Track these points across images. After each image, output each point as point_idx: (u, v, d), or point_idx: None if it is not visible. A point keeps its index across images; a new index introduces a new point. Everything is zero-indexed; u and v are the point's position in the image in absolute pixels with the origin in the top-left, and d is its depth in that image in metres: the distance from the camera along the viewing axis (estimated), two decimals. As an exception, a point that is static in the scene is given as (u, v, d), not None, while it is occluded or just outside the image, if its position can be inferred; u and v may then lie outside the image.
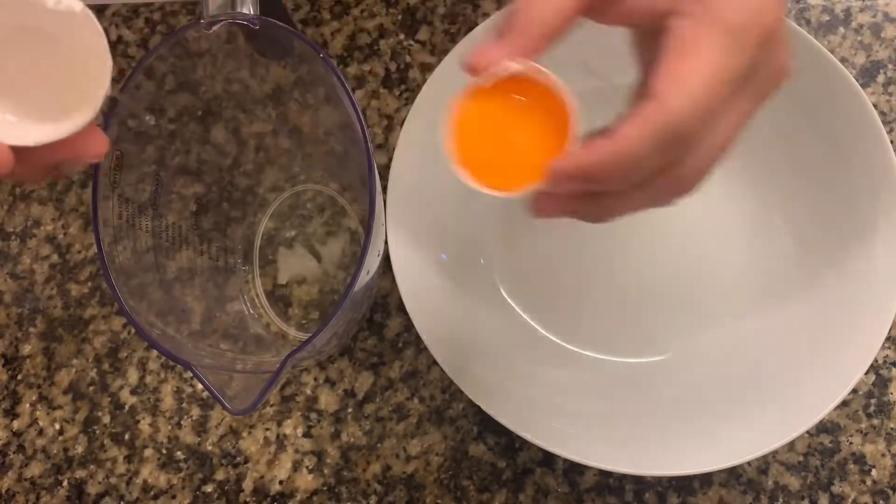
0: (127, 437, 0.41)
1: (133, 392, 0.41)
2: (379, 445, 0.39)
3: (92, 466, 0.40)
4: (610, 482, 0.38)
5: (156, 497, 0.40)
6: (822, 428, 0.39)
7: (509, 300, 0.40)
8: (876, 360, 0.39)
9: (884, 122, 0.40)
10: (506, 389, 0.36)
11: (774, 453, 0.38)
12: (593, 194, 0.24)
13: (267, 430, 0.40)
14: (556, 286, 0.41)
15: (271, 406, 0.40)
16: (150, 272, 0.33)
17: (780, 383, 0.36)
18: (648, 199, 0.24)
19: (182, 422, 0.40)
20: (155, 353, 0.42)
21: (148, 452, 0.40)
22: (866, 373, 0.37)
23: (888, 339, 0.40)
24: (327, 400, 0.40)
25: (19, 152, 0.23)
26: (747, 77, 0.22)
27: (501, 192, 0.28)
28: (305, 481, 0.39)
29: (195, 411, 0.41)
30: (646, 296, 0.40)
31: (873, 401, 0.39)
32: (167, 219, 0.35)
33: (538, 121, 0.28)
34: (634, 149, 0.22)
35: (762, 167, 0.41)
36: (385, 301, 0.41)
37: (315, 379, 0.41)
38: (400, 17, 0.46)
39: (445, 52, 0.39)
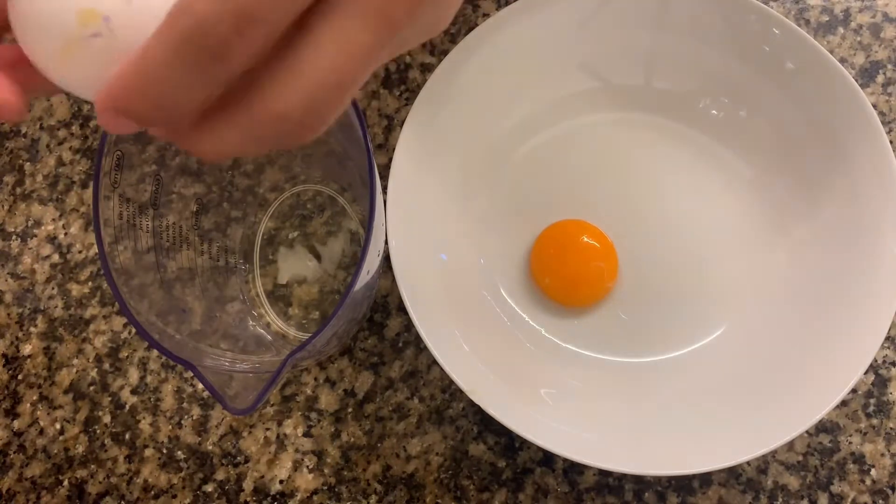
0: (127, 436, 0.41)
1: (134, 392, 0.41)
2: (379, 445, 0.40)
3: (92, 466, 0.40)
4: (609, 482, 0.39)
5: (156, 497, 0.40)
6: (822, 427, 0.39)
7: (509, 300, 0.40)
8: (875, 360, 0.39)
9: (883, 123, 0.40)
10: (506, 389, 0.36)
11: (774, 453, 0.38)
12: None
13: (267, 429, 0.40)
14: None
15: (271, 406, 0.40)
16: (151, 272, 0.33)
17: (780, 383, 0.36)
18: (242, 134, 0.19)
19: (182, 421, 0.41)
20: (155, 352, 0.42)
21: (148, 452, 0.40)
22: (866, 372, 0.37)
23: (888, 339, 0.40)
24: (327, 400, 0.40)
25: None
26: None
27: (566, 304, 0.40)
28: (306, 481, 0.39)
29: (196, 411, 0.41)
30: (645, 296, 0.40)
31: (873, 400, 0.39)
32: (167, 219, 0.35)
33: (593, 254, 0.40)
34: (155, 60, 0.17)
35: (761, 167, 0.41)
36: (385, 301, 0.41)
37: (315, 379, 0.41)
38: (400, 17, 0.46)
39: (445, 52, 0.39)
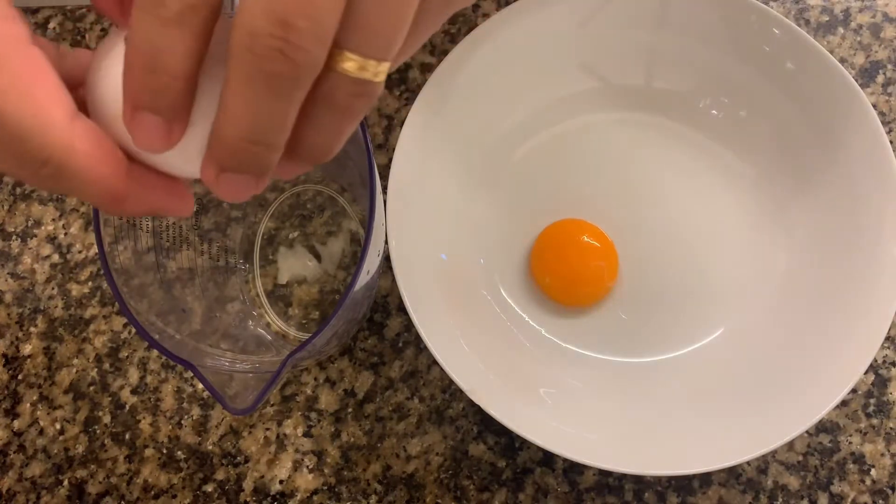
0: (127, 436, 0.41)
1: (134, 392, 0.41)
2: (379, 445, 0.40)
3: (92, 466, 0.40)
4: (609, 482, 0.39)
5: (156, 497, 0.40)
6: (822, 427, 0.39)
7: (509, 300, 0.40)
8: (875, 360, 0.39)
9: (883, 123, 0.40)
10: (506, 389, 0.36)
11: (774, 453, 0.38)
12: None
13: (267, 429, 0.40)
14: (555, 286, 0.41)
15: (271, 406, 0.40)
16: (151, 272, 0.33)
17: (780, 383, 0.36)
18: (248, 82, 0.18)
19: (182, 421, 0.41)
20: (155, 352, 0.42)
21: (148, 452, 0.40)
22: (866, 372, 0.37)
23: (888, 339, 0.40)
24: (327, 400, 0.40)
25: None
26: None
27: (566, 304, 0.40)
28: (306, 481, 0.39)
29: (196, 411, 0.41)
30: (645, 296, 0.40)
31: (873, 400, 0.39)
32: (167, 219, 0.35)
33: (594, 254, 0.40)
34: (236, 105, 0.18)
35: (761, 167, 0.41)
36: (385, 301, 0.41)
37: (315, 379, 0.41)
38: (400, 17, 0.46)
39: (445, 52, 0.39)
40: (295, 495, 0.39)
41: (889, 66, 0.44)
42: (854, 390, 0.39)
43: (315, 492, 0.39)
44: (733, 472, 0.38)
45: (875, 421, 0.39)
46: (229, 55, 0.17)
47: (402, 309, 0.41)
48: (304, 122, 0.19)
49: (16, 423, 0.41)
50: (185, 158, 0.20)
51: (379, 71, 0.19)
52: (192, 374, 0.39)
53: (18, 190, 0.45)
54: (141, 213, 0.21)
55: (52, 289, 0.43)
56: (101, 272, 0.43)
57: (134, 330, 0.41)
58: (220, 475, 0.40)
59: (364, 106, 0.19)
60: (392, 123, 0.44)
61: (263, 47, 0.17)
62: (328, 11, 0.17)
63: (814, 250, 0.38)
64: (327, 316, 0.37)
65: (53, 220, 0.44)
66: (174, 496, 0.40)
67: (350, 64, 0.18)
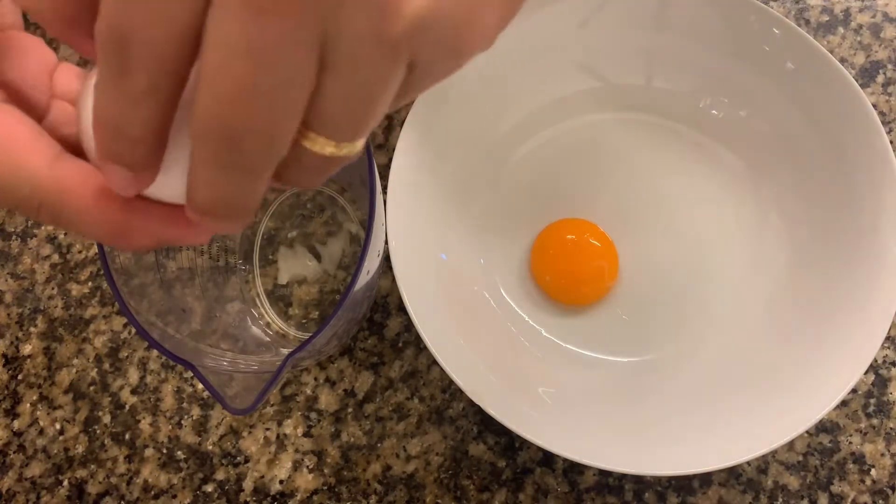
0: (127, 436, 0.41)
1: (134, 392, 0.41)
2: (379, 445, 0.40)
3: (92, 466, 0.40)
4: (609, 482, 0.39)
5: (156, 497, 0.40)
6: (822, 427, 0.39)
7: (509, 300, 0.40)
8: (876, 360, 0.39)
9: (883, 123, 0.40)
10: (506, 389, 0.36)
11: (774, 453, 0.38)
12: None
13: (267, 429, 0.40)
14: (555, 286, 0.41)
15: (271, 406, 0.40)
16: (151, 272, 0.33)
17: (780, 383, 0.36)
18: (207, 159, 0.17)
19: (182, 421, 0.41)
20: (155, 352, 0.42)
21: (148, 452, 0.40)
22: (866, 372, 0.37)
23: (888, 339, 0.40)
24: (327, 400, 0.40)
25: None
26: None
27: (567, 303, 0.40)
28: (306, 481, 0.39)
29: (195, 411, 0.41)
30: (646, 296, 0.40)
31: (873, 400, 0.39)
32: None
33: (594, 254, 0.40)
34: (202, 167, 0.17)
35: (761, 167, 0.41)
36: (385, 301, 0.41)
37: (315, 379, 0.41)
38: (400, 17, 0.46)
39: (445, 52, 0.39)
40: (295, 495, 0.39)
41: (889, 66, 0.44)
42: (854, 390, 0.39)
43: (315, 492, 0.39)
44: (733, 472, 0.38)
45: (875, 421, 0.39)
46: (190, 135, 0.17)
47: (402, 309, 0.41)
48: (280, 170, 0.18)
49: (16, 423, 0.41)
50: (165, 192, 0.20)
51: (354, 148, 0.18)
52: (192, 374, 0.39)
53: (18, 190, 0.45)
54: (151, 245, 0.20)
55: (52, 289, 0.43)
56: (101, 272, 0.43)
57: (134, 330, 0.41)
58: (220, 475, 0.40)
59: (338, 167, 0.19)
60: (392, 123, 0.44)
61: (219, 141, 0.16)
62: (283, 117, 0.16)
63: (814, 250, 0.38)
64: (327, 316, 0.37)
65: (53, 220, 0.44)
66: (174, 496, 0.40)
67: (318, 145, 0.18)
